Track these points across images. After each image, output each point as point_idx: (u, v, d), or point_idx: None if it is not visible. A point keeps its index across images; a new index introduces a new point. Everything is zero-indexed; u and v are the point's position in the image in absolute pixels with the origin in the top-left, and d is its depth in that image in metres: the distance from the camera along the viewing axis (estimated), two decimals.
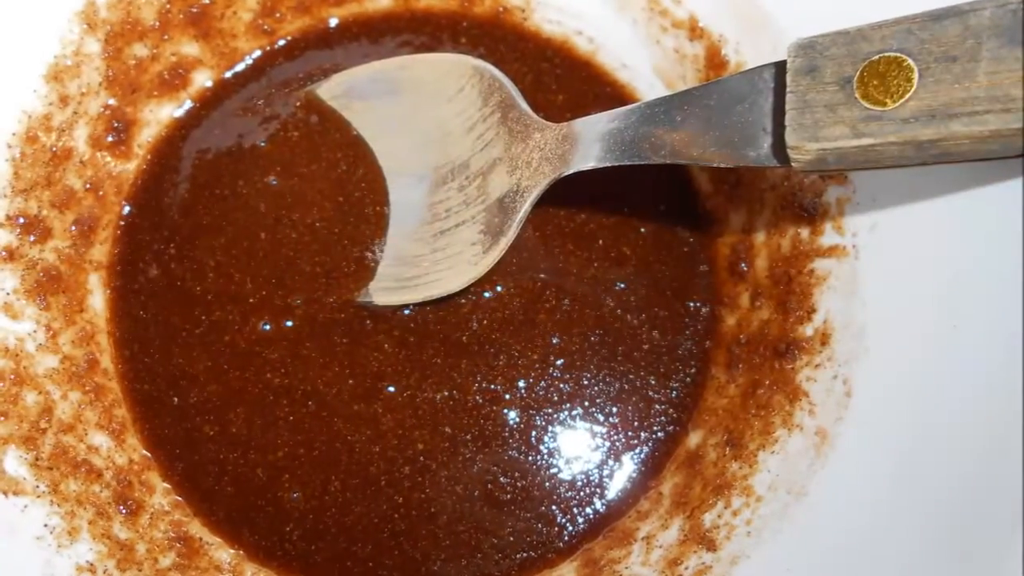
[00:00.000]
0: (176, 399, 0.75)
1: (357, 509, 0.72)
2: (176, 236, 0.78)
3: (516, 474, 0.72)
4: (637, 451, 0.73)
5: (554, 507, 0.72)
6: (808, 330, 0.68)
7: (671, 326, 0.75)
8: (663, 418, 0.74)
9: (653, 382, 0.74)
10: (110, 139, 0.78)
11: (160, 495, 0.73)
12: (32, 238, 0.74)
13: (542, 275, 0.76)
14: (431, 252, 0.74)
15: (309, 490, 0.72)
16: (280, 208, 0.78)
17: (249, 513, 0.72)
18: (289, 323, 0.75)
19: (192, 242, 0.78)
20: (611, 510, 0.72)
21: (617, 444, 0.73)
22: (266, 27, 0.82)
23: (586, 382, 0.74)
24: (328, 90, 0.80)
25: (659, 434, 0.73)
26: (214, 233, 0.78)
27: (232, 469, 0.73)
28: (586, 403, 0.74)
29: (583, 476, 0.72)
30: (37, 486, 0.68)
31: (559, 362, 0.74)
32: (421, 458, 0.72)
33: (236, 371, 0.74)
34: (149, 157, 0.80)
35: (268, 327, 0.75)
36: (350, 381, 0.74)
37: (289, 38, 0.83)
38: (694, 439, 0.73)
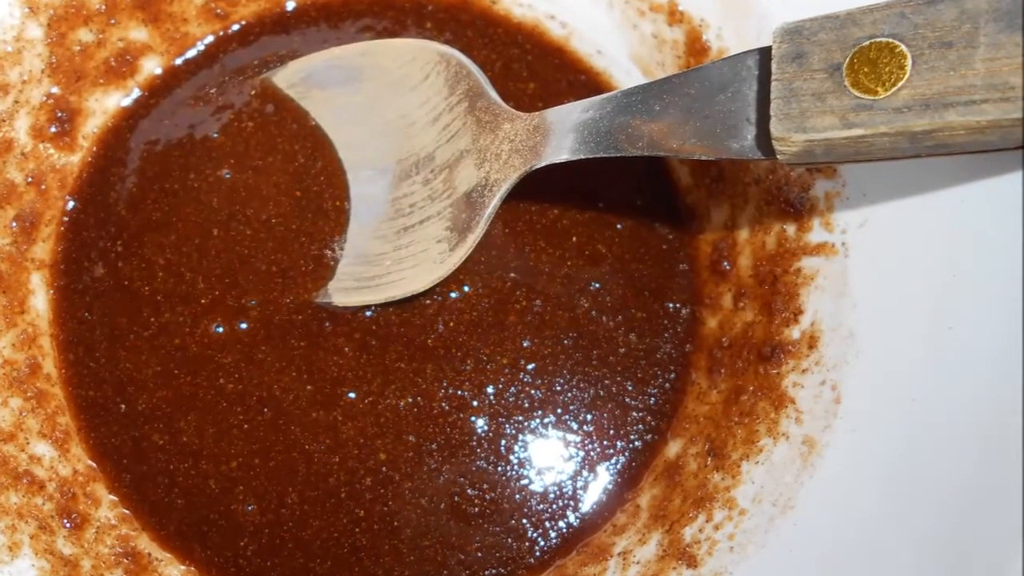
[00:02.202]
0: (123, 406, 0.72)
1: (316, 523, 0.70)
2: (123, 233, 0.75)
3: (484, 486, 0.70)
4: (613, 461, 0.71)
5: (525, 521, 0.70)
6: (795, 333, 0.67)
7: (649, 328, 0.74)
8: (640, 426, 0.72)
9: (630, 388, 0.72)
10: (53, 130, 0.76)
11: (106, 508, 0.70)
12: None
13: (512, 274, 0.74)
14: (394, 250, 0.72)
15: (265, 503, 0.70)
16: (234, 203, 0.75)
17: (201, 527, 0.70)
18: (243, 325, 0.73)
19: (140, 239, 0.75)
20: (585, 524, 0.70)
21: (592, 454, 0.71)
22: (219, 11, 0.80)
23: (559, 388, 0.72)
24: (285, 78, 0.78)
25: (636, 443, 0.72)
26: (164, 230, 0.75)
27: (183, 480, 0.71)
28: (559, 410, 0.72)
29: (556, 488, 0.70)
30: None
31: (530, 367, 0.72)
32: (384, 469, 0.70)
33: (187, 376, 0.72)
34: (95, 149, 0.77)
35: (221, 329, 0.73)
36: (308, 387, 0.72)
37: (243, 23, 0.81)
38: (673, 448, 0.71)
